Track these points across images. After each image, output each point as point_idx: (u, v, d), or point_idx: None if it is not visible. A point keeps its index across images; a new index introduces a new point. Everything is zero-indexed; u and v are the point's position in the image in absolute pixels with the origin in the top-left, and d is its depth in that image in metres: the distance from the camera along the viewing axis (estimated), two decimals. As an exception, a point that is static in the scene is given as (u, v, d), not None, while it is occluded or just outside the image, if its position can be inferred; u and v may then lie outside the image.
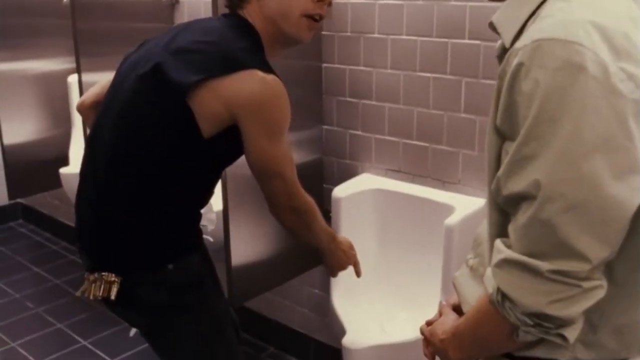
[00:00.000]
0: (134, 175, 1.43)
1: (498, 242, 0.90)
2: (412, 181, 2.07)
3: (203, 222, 1.67)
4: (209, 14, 1.94)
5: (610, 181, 0.80)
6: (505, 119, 0.88)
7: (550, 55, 0.81)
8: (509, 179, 0.87)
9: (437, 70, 1.93)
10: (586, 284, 0.83)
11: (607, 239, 0.83)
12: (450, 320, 1.10)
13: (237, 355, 1.66)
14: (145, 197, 1.44)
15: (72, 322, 2.99)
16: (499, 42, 0.99)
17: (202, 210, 1.57)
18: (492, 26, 0.98)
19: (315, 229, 1.56)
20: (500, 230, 0.93)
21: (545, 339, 0.89)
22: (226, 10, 1.54)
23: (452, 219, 1.76)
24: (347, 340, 1.75)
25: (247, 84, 1.36)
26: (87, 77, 2.28)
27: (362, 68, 2.12)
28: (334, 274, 1.76)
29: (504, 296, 0.87)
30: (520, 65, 0.84)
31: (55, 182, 2.90)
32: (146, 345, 1.70)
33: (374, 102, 2.11)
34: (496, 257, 0.89)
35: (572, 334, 0.88)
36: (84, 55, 2.30)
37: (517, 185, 0.85)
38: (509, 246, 0.88)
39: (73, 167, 2.85)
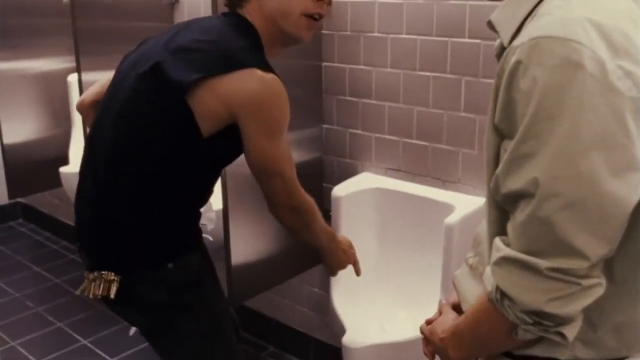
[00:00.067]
0: (133, 174, 1.43)
1: (497, 241, 0.90)
2: (412, 180, 2.07)
3: (203, 221, 1.67)
4: (209, 13, 1.94)
5: (608, 178, 0.80)
6: (503, 117, 0.88)
7: (548, 53, 0.81)
8: (507, 177, 0.87)
9: (437, 69, 1.93)
10: (585, 282, 0.83)
11: (606, 236, 0.83)
12: (450, 319, 1.10)
13: (237, 355, 1.66)
14: (145, 196, 1.44)
15: (72, 321, 2.99)
16: (498, 41, 0.99)
17: (202, 209, 1.57)
18: (490, 25, 0.98)
19: (314, 228, 1.56)
20: (499, 228, 0.93)
21: (545, 338, 0.90)
22: (226, 10, 1.54)
23: (452, 218, 1.76)
24: (347, 339, 1.75)
25: (247, 83, 1.36)
26: (87, 76, 2.28)
27: (362, 67, 2.11)
28: (334, 273, 1.76)
29: (503, 294, 0.87)
30: (518, 63, 0.84)
31: (55, 181, 2.90)
32: (146, 344, 1.70)
33: (373, 101, 2.11)
34: (495, 255, 0.89)
35: (571, 332, 0.88)
36: (83, 55, 2.30)
37: (515, 183, 0.85)
38: (507, 244, 0.88)
39: (73, 166, 2.85)
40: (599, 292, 0.85)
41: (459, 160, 1.94)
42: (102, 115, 1.50)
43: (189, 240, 1.54)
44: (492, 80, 0.92)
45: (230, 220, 1.94)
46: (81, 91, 2.26)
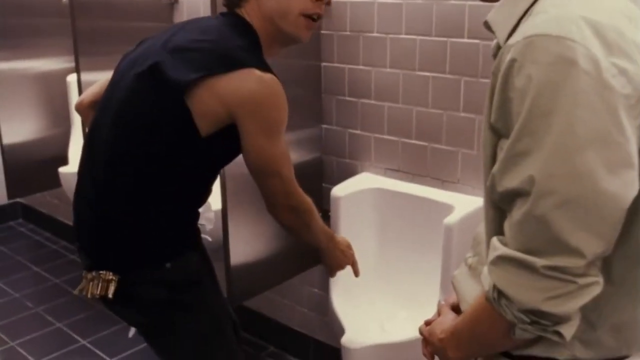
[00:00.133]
0: (132, 174, 1.43)
1: (494, 240, 0.90)
2: (412, 180, 2.07)
3: (201, 221, 1.67)
4: (208, 13, 1.94)
5: (603, 176, 0.80)
6: (499, 116, 0.88)
7: (542, 51, 0.82)
8: (503, 175, 0.87)
9: (436, 69, 1.93)
10: (582, 281, 0.83)
11: (602, 234, 0.83)
12: (449, 319, 1.10)
13: (237, 355, 1.66)
14: (144, 196, 1.44)
15: (71, 322, 2.99)
16: (495, 41, 1.00)
17: (201, 209, 1.57)
18: (487, 25, 0.98)
19: (313, 228, 1.56)
20: (497, 227, 0.93)
21: (543, 337, 0.89)
22: (225, 10, 1.54)
23: (452, 218, 1.75)
24: (347, 340, 1.75)
25: (245, 83, 1.36)
26: (86, 76, 2.28)
27: (361, 67, 2.11)
28: (332, 274, 1.76)
29: (500, 293, 0.87)
30: (513, 61, 0.84)
31: (55, 181, 2.90)
32: (145, 344, 1.70)
33: (373, 101, 2.11)
34: (492, 254, 0.89)
35: (568, 331, 0.87)
36: (83, 55, 2.30)
37: (511, 181, 0.85)
38: (505, 243, 0.88)
39: (72, 166, 2.84)
40: (596, 290, 0.85)
41: (458, 160, 1.94)
42: (100, 115, 1.50)
43: (187, 239, 1.54)
44: (491, 80, 0.92)
45: (230, 221, 1.94)
46: (80, 91, 2.26)
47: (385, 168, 2.13)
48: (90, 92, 1.69)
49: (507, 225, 0.88)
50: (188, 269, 1.52)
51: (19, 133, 2.97)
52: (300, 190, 1.50)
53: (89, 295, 1.48)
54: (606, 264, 0.88)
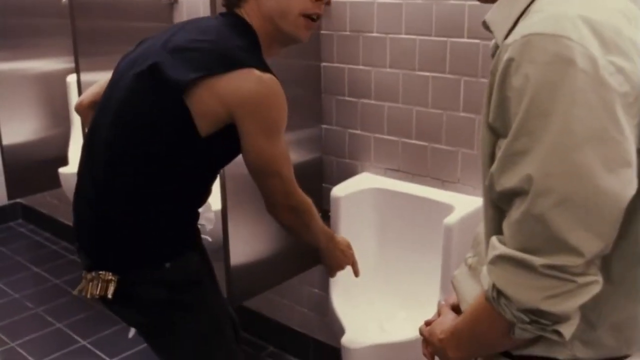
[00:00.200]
0: (131, 174, 1.43)
1: (493, 239, 0.90)
2: (412, 180, 2.06)
3: (201, 221, 1.67)
4: (208, 14, 1.94)
5: (601, 174, 0.80)
6: (497, 115, 0.88)
7: (539, 50, 0.82)
8: (501, 174, 0.86)
9: (436, 69, 1.93)
10: (581, 279, 0.83)
11: (600, 232, 0.82)
12: (449, 319, 1.10)
13: (236, 355, 1.66)
14: (143, 196, 1.44)
15: (71, 322, 2.99)
16: (493, 41, 1.00)
17: (201, 210, 1.57)
18: (485, 25, 0.98)
19: (312, 228, 1.56)
20: (496, 227, 0.93)
21: (543, 337, 0.89)
22: (224, 10, 1.54)
23: (451, 218, 1.75)
24: (347, 340, 1.75)
25: (245, 83, 1.36)
26: (86, 76, 2.28)
27: (361, 67, 2.11)
28: (332, 274, 1.76)
29: (500, 293, 0.87)
30: (510, 60, 0.84)
31: (55, 181, 2.90)
32: (145, 345, 1.70)
33: (373, 101, 2.11)
34: (491, 254, 0.89)
35: (568, 330, 0.87)
36: (82, 55, 2.30)
37: (509, 180, 0.85)
38: (504, 243, 0.87)
39: (72, 166, 2.84)
40: (596, 289, 0.85)
41: (458, 160, 1.94)
42: (99, 115, 1.50)
43: (187, 239, 1.54)
44: (490, 80, 0.92)
45: (229, 221, 1.94)
46: (80, 91, 2.26)
47: (385, 168, 2.13)
48: (90, 93, 1.69)
49: (505, 225, 0.88)
50: (188, 269, 1.52)
51: (19, 133, 2.97)
52: (299, 190, 1.50)
53: (88, 296, 1.48)
54: (605, 263, 0.88)
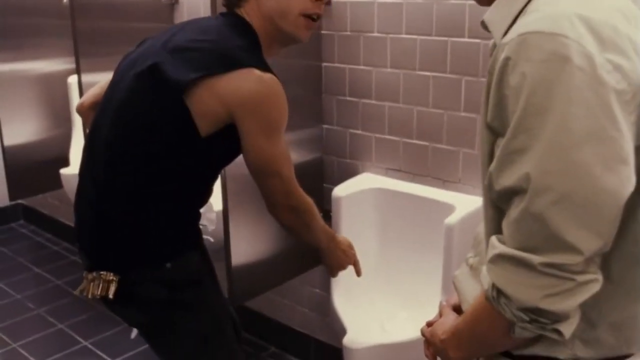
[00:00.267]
0: (132, 174, 1.43)
1: (493, 238, 0.90)
2: (413, 180, 2.06)
3: (203, 221, 1.67)
4: (208, 14, 1.94)
5: (599, 172, 0.80)
6: (495, 114, 0.88)
7: (536, 48, 0.81)
8: (500, 173, 0.86)
9: (436, 69, 1.93)
10: (580, 278, 0.83)
11: (599, 230, 0.82)
12: (450, 320, 1.10)
13: (237, 355, 1.66)
14: (144, 195, 1.44)
15: (73, 323, 2.99)
16: (492, 40, 1.00)
17: (202, 210, 1.57)
18: (483, 25, 0.98)
19: (313, 228, 1.56)
20: (496, 226, 0.93)
21: (544, 336, 0.89)
22: (224, 10, 1.54)
23: (453, 218, 1.75)
24: (348, 340, 1.75)
25: (245, 83, 1.36)
26: (86, 77, 2.28)
27: (361, 67, 2.11)
28: (334, 274, 1.75)
29: (499, 292, 0.87)
30: (507, 59, 0.84)
31: (56, 182, 2.90)
32: (147, 345, 1.70)
33: (373, 101, 2.11)
34: (491, 253, 0.89)
35: (568, 329, 0.87)
36: (83, 56, 2.30)
37: (508, 179, 0.85)
38: (503, 242, 0.87)
39: (73, 167, 2.85)
40: (595, 288, 0.85)
41: (459, 160, 1.94)
42: (100, 115, 1.51)
43: (188, 239, 1.54)
44: (491, 80, 0.92)
45: (231, 221, 1.94)
46: (81, 92, 2.26)
47: (386, 168, 2.13)
48: (91, 94, 1.69)
49: (505, 224, 0.88)
50: (188, 269, 1.52)
51: (20, 134, 2.97)
52: (300, 190, 1.50)
53: (89, 296, 1.48)
54: (605, 262, 0.88)
